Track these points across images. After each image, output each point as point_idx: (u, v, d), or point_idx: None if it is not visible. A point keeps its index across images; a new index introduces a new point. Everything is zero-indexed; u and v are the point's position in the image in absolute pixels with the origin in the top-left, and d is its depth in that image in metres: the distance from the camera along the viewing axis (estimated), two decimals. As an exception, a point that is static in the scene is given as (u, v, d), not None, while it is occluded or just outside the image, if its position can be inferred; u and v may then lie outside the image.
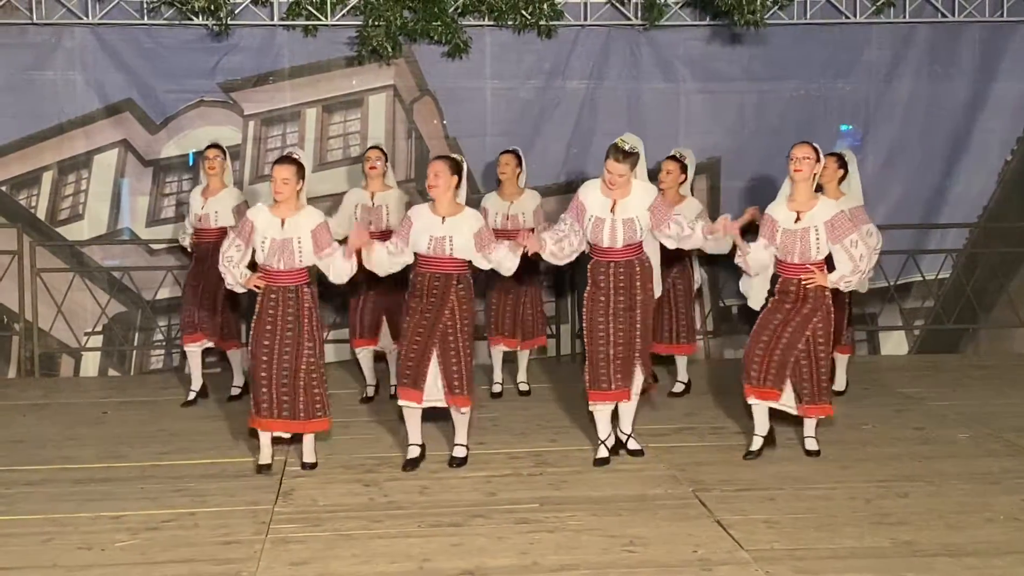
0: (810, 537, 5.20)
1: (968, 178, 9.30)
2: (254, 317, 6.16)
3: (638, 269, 6.30)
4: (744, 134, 9.09)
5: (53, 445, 6.83)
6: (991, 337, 9.48)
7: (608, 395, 6.32)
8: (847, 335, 7.85)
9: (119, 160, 8.77)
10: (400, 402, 6.30)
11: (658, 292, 6.57)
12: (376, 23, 8.48)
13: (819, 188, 7.28)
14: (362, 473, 6.23)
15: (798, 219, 6.20)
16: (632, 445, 6.49)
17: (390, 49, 8.53)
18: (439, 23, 8.57)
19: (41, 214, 8.75)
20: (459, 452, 6.39)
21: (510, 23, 8.74)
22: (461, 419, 6.36)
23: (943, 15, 9.06)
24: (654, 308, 6.49)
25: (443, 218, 6.17)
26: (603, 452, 6.40)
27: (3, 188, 8.69)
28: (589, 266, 6.36)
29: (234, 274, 6.18)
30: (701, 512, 5.55)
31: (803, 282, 6.23)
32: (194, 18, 8.45)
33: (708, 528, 5.32)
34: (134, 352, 8.91)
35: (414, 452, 6.37)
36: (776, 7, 8.73)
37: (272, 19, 8.67)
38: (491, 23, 8.79)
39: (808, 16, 8.96)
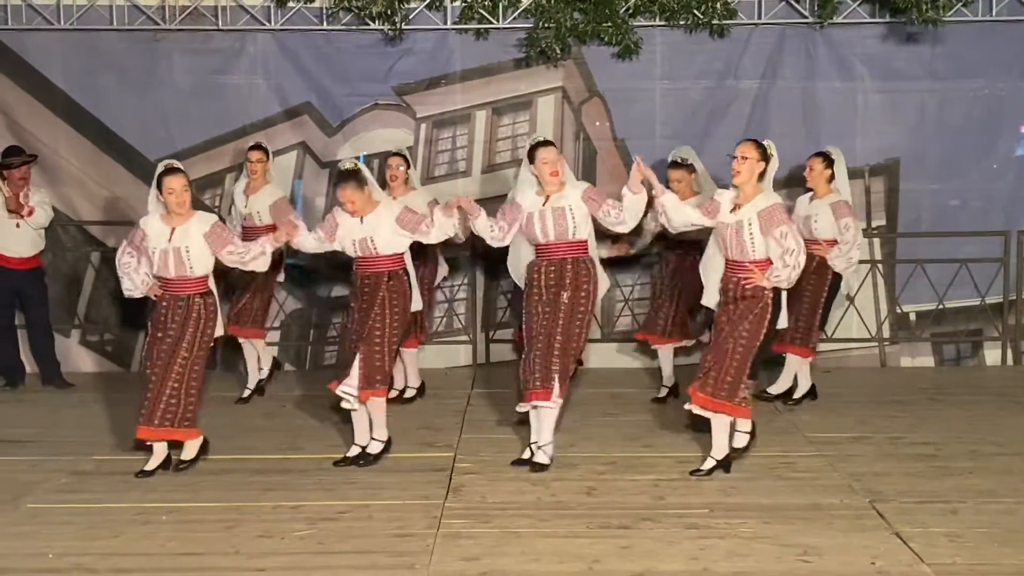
0: (994, 552, 5.00)
1: None
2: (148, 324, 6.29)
3: (570, 268, 6.21)
4: (925, 134, 8.79)
5: (233, 437, 7.06)
6: None
7: (528, 394, 6.21)
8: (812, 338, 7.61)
9: (297, 162, 9.04)
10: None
11: (603, 289, 6.47)
12: (546, 25, 8.53)
13: (810, 189, 7.47)
14: (530, 472, 6.26)
15: (734, 210, 5.93)
16: (539, 458, 6.30)
17: (559, 51, 8.56)
18: (609, 24, 8.56)
19: (224, 213, 9.06)
20: (375, 448, 6.44)
21: (682, 23, 8.67)
22: (374, 411, 6.41)
23: None
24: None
25: (361, 218, 6.26)
26: (526, 453, 6.37)
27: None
28: (526, 268, 6.41)
29: (134, 280, 6.28)
30: (878, 523, 5.39)
31: (742, 282, 5.95)
32: (371, 23, 8.65)
33: (886, 540, 5.17)
34: (309, 348, 9.17)
35: (354, 451, 6.50)
36: (960, 4, 8.42)
37: (445, 23, 8.81)
38: (662, 23, 8.73)
39: (994, 13, 8.61)
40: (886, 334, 9.01)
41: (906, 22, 8.38)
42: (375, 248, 6.29)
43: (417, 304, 6.53)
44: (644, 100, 8.94)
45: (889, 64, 8.80)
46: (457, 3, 8.76)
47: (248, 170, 8.02)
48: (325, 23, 8.78)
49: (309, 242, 6.50)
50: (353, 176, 6.26)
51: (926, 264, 8.83)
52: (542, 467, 6.27)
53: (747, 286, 5.95)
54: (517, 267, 6.54)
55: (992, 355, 9.06)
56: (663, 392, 7.88)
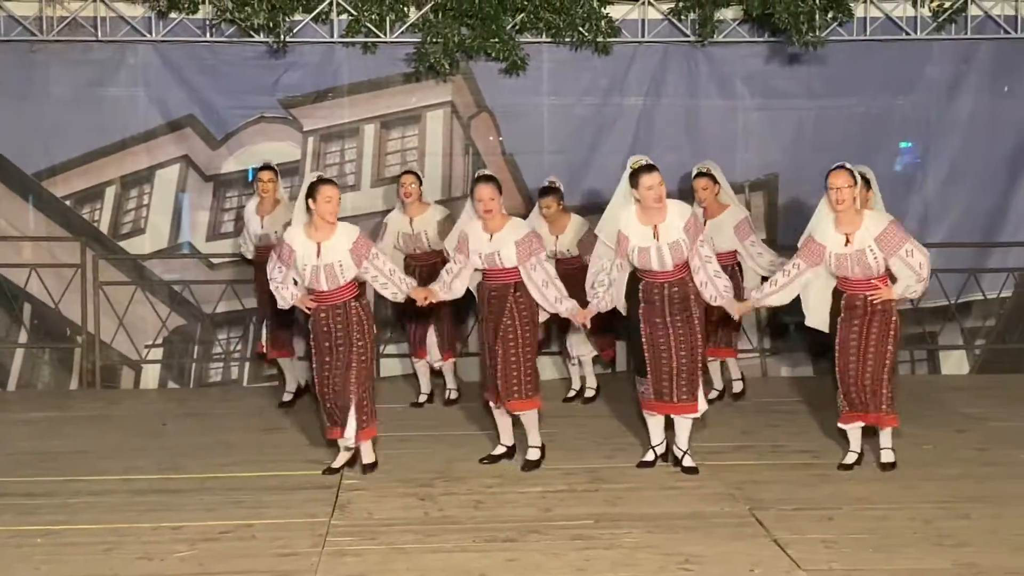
0: (869, 558, 5.14)
1: (1031, 196, 9.18)
2: (311, 337, 6.37)
3: (690, 284, 6.33)
4: (803, 151, 9.02)
5: (114, 456, 6.92)
6: (1055, 357, 9.32)
7: (673, 407, 6.37)
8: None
9: (180, 175, 8.90)
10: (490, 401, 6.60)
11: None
12: (434, 40, 8.55)
13: None
14: (417, 487, 6.25)
15: (848, 242, 6.17)
16: (688, 462, 6.47)
17: (447, 66, 8.60)
18: (496, 40, 8.61)
19: (104, 228, 8.90)
20: (533, 454, 6.57)
21: (567, 40, 8.77)
22: (526, 421, 6.54)
23: (1005, 31, 8.95)
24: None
25: (491, 235, 6.36)
26: (650, 456, 6.51)
27: (67, 202, 8.85)
28: (641, 286, 6.34)
29: (283, 295, 6.37)
30: (758, 531, 5.50)
31: (870, 298, 6.20)
32: (254, 35, 8.57)
33: (765, 547, 5.28)
34: (193, 365, 9.02)
35: (499, 450, 6.67)
36: (835, 24, 8.67)
37: (331, 36, 8.76)
38: (548, 40, 8.82)
39: (868, 33, 8.89)
40: (767, 345, 9.22)
41: (786, 43, 8.60)
42: (501, 262, 6.34)
43: None
44: (532, 116, 9.02)
45: (767, 82, 9.02)
46: (343, 16, 8.73)
47: (259, 190, 8.00)
48: (208, 35, 8.67)
49: (460, 282, 6.52)
50: (494, 180, 6.38)
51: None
52: (694, 470, 6.39)
53: (875, 301, 6.15)
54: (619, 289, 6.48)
55: (869, 364, 9.32)
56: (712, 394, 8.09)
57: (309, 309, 6.34)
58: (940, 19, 8.89)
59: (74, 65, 8.73)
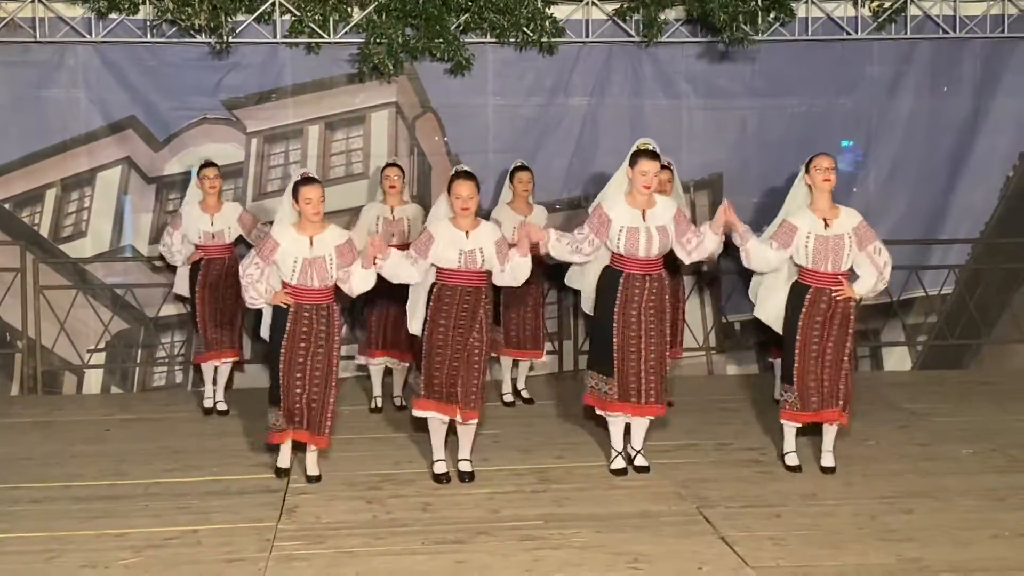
0: (815, 554, 5.20)
1: (970, 193, 9.31)
2: (285, 335, 6.17)
3: (667, 282, 6.38)
4: (746, 150, 9.10)
5: (56, 463, 6.83)
6: (995, 353, 9.46)
7: (640, 408, 6.33)
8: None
9: (122, 177, 8.78)
10: (426, 414, 6.31)
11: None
12: (378, 40, 8.51)
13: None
14: (365, 490, 6.22)
15: (827, 225, 6.23)
16: (640, 461, 6.50)
17: (391, 66, 8.55)
18: (441, 40, 8.58)
19: (44, 231, 8.76)
20: (467, 467, 6.44)
21: (512, 40, 8.77)
22: (469, 432, 6.42)
23: (944, 31, 9.08)
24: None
25: (467, 232, 6.24)
26: (620, 463, 6.46)
27: (6, 206, 8.70)
28: (621, 280, 6.28)
29: (258, 290, 6.21)
30: (705, 528, 5.54)
31: (834, 295, 6.25)
32: (196, 36, 8.48)
33: (713, 545, 5.32)
34: (137, 369, 8.91)
35: (443, 467, 6.42)
36: (778, 24, 8.76)
37: (274, 37, 8.69)
38: (493, 40, 8.81)
39: (809, 32, 8.98)
40: (712, 343, 9.29)
41: (720, 42, 8.68)
42: (483, 261, 6.20)
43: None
44: (477, 116, 9.00)
45: (711, 82, 9.08)
46: (287, 17, 8.66)
47: (206, 187, 7.89)
48: (149, 35, 8.56)
49: (405, 270, 6.25)
50: (474, 177, 6.25)
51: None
52: (646, 468, 6.42)
53: (839, 298, 6.21)
54: (584, 278, 6.48)
55: (813, 362, 9.41)
56: None
57: (286, 304, 6.17)
58: (880, 19, 9.00)
59: (12, 67, 8.58)
